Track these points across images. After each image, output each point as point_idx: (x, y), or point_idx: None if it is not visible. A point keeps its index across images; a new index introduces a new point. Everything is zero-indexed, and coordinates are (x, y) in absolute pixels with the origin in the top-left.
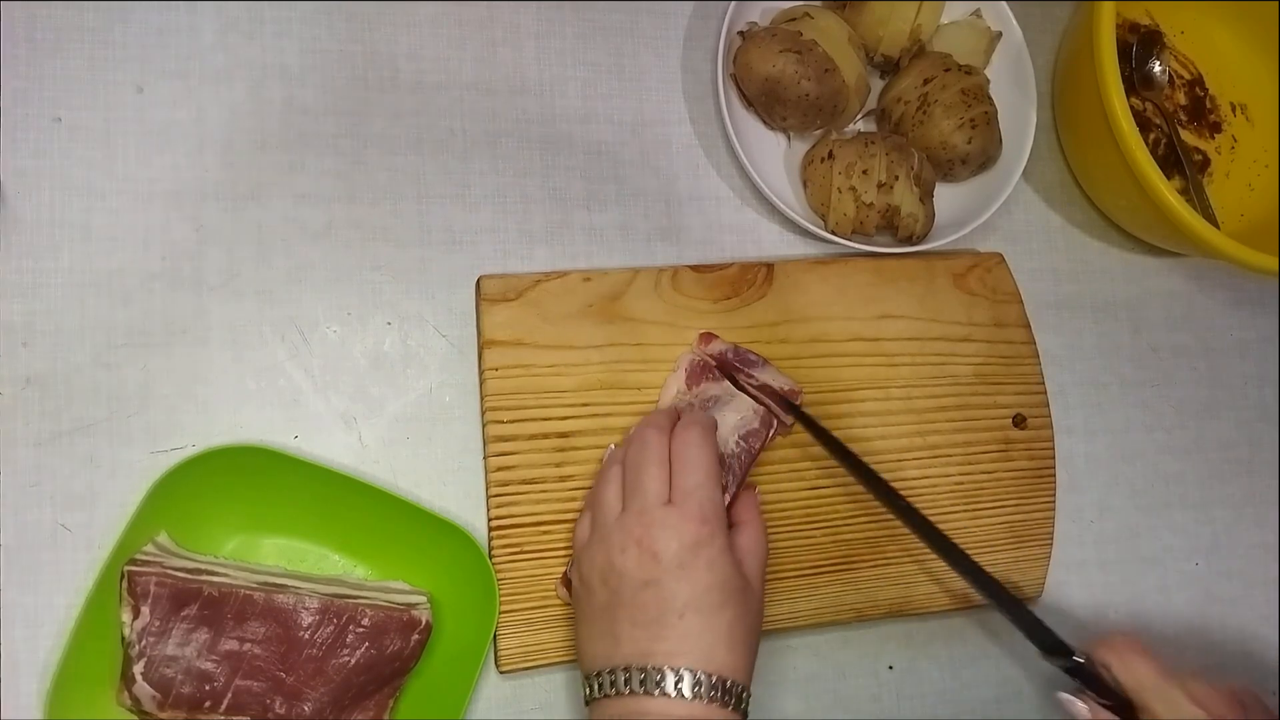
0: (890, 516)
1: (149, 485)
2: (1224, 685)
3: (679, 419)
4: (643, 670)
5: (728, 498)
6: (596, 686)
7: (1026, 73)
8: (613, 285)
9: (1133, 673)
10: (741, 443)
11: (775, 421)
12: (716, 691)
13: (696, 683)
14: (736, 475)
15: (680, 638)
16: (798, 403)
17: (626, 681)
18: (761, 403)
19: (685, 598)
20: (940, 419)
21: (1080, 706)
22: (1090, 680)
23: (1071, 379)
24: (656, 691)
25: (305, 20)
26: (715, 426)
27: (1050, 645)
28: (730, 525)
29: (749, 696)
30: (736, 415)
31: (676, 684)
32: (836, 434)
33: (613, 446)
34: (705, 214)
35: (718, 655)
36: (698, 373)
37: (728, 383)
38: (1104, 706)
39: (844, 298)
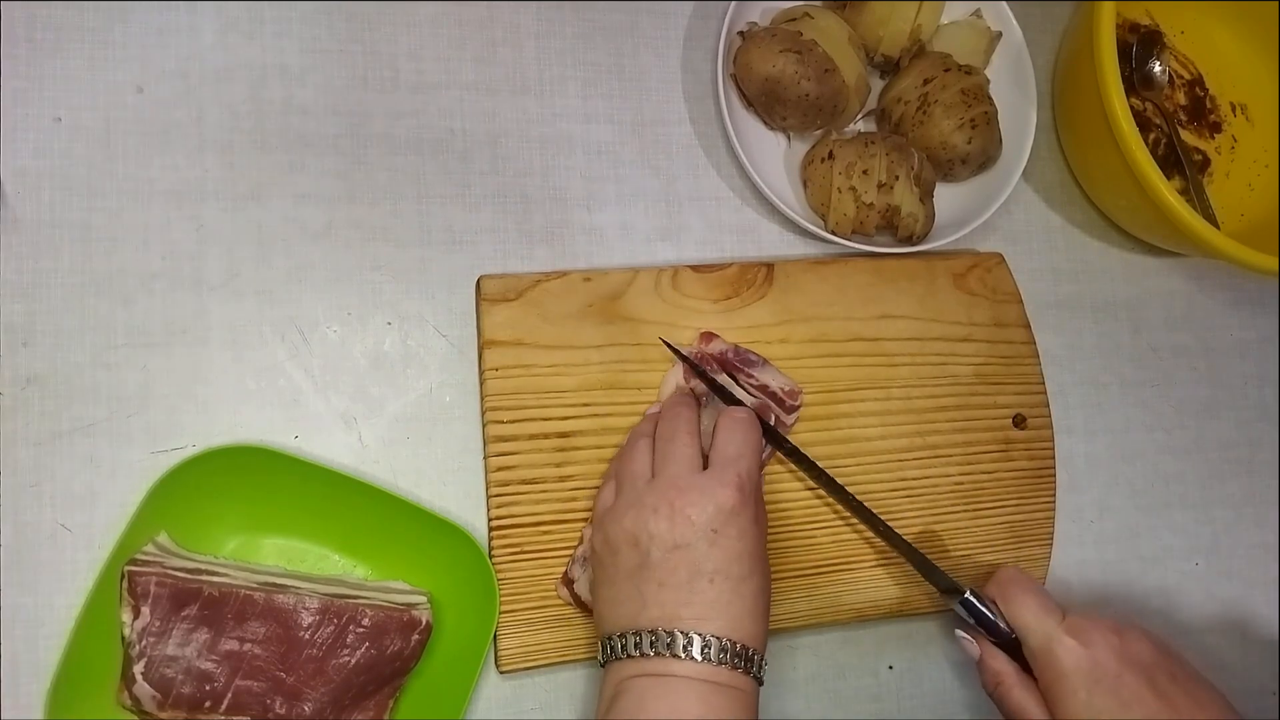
0: (893, 518)
1: (149, 485)
2: (1104, 618)
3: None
4: (670, 634)
5: None
6: (620, 646)
7: (1026, 73)
8: (613, 285)
9: (1015, 608)
10: None
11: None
12: (739, 659)
13: (722, 649)
14: None
15: (708, 603)
16: (797, 403)
17: (653, 644)
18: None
19: (716, 563)
20: (940, 419)
21: (971, 643)
22: (984, 621)
23: (1071, 379)
24: (683, 655)
25: (305, 20)
26: (757, 416)
27: (945, 586)
28: None
29: (766, 666)
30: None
31: (704, 649)
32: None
33: (646, 415)
34: (705, 214)
35: (743, 623)
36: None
37: (724, 377)
38: (996, 645)
39: (844, 298)
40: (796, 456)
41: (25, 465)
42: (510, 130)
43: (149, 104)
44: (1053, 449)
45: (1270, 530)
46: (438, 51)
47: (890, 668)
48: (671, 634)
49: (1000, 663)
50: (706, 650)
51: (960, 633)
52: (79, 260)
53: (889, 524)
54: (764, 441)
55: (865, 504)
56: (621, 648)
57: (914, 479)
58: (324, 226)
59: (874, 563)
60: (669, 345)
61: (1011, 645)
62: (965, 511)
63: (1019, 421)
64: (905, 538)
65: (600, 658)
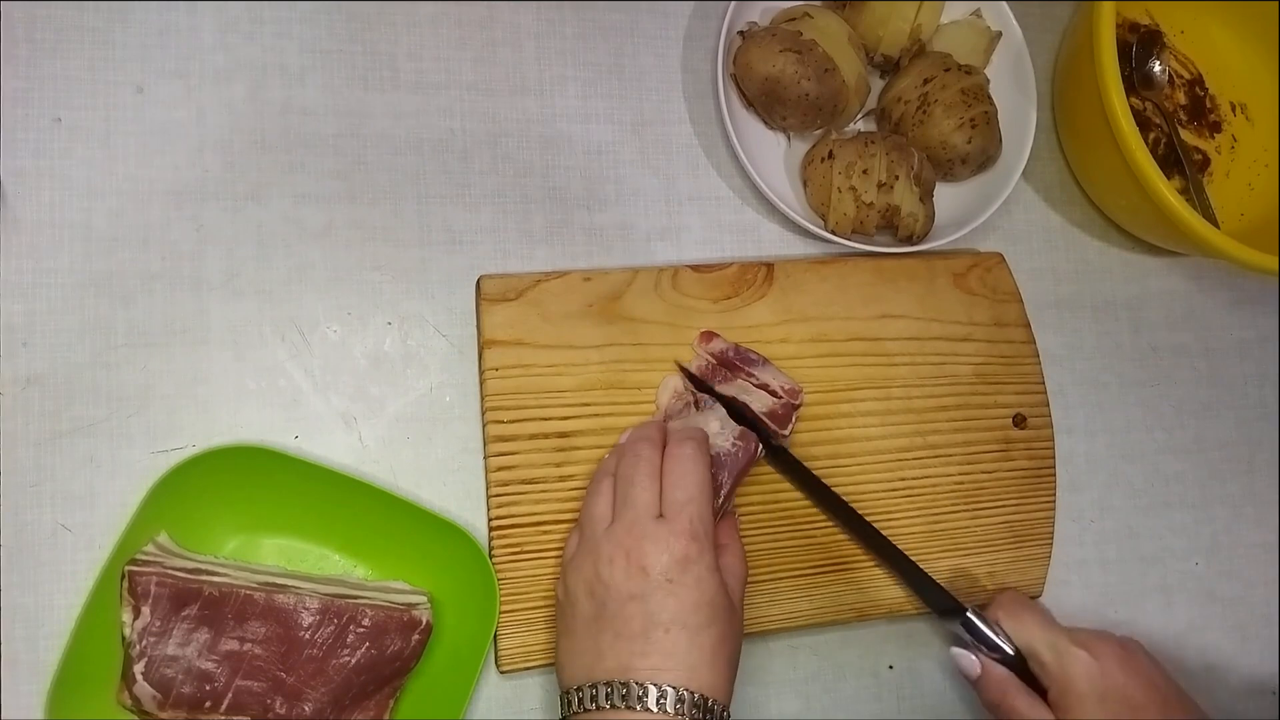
0: (893, 517)
1: (149, 485)
2: (1105, 631)
3: (667, 433)
4: (625, 685)
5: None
6: (576, 701)
7: (1026, 73)
8: (613, 285)
9: (1020, 625)
10: (725, 458)
11: (756, 447)
12: (698, 710)
13: (679, 699)
14: (722, 497)
15: (665, 654)
16: (797, 402)
17: (608, 696)
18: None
19: (671, 613)
20: (940, 419)
21: (971, 659)
22: (985, 639)
23: (1071, 379)
24: (639, 707)
25: (305, 20)
26: (707, 441)
27: (945, 606)
28: None
29: (729, 717)
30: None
31: (659, 700)
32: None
33: (616, 447)
34: (705, 214)
35: (701, 673)
36: (709, 374)
37: (740, 381)
38: (996, 660)
39: (844, 297)
40: (810, 485)
41: (25, 465)
42: (510, 130)
43: (149, 104)
44: (1053, 449)
45: (1270, 530)
46: (438, 51)
47: (890, 668)
48: (627, 685)
49: (1001, 671)
50: (662, 700)
51: (957, 650)
52: (79, 260)
53: (897, 545)
54: (748, 462)
55: (876, 527)
56: (578, 701)
57: (914, 479)
58: (324, 226)
59: (874, 563)
60: (682, 368)
61: (1010, 665)
62: (965, 511)
63: (1019, 421)
64: (910, 557)
65: (561, 713)
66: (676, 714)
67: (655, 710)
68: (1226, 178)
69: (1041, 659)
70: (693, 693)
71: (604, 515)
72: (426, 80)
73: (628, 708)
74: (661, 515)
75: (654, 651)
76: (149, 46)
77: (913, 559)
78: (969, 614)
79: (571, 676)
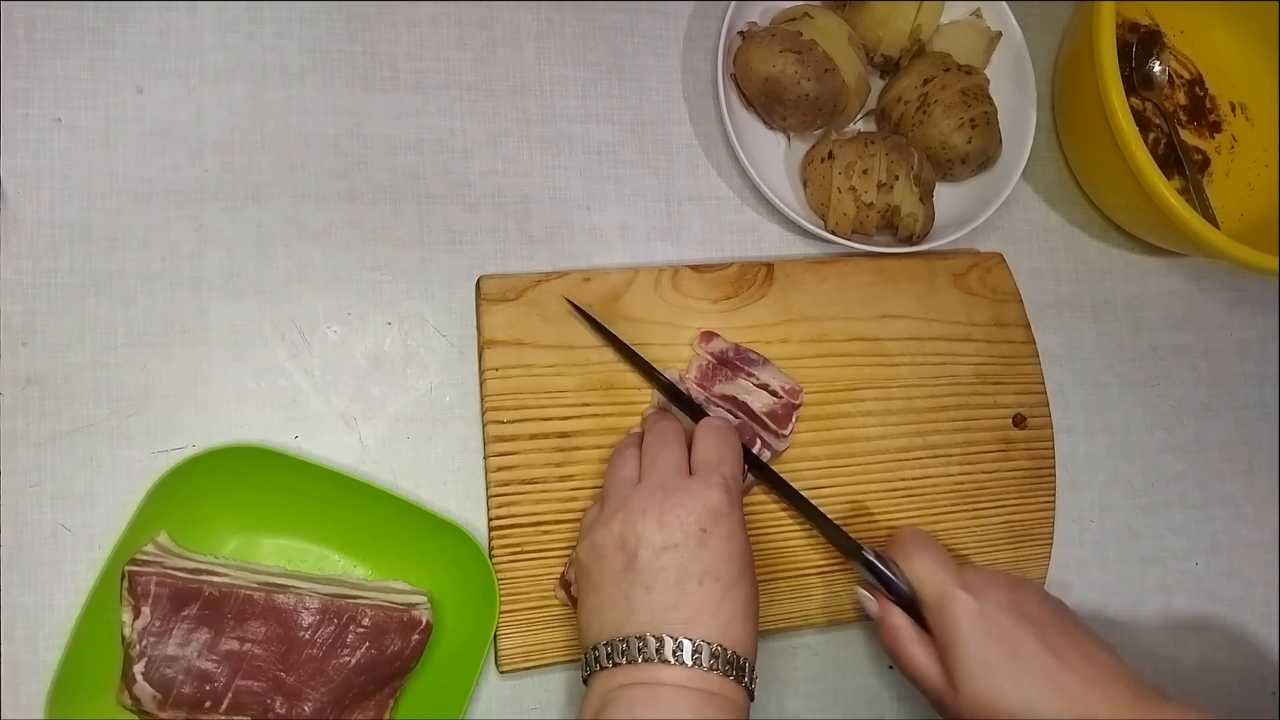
0: (893, 517)
1: (149, 485)
2: (998, 571)
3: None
4: (659, 639)
5: None
6: (606, 655)
7: (1026, 73)
8: (613, 285)
9: (911, 565)
10: None
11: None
12: (731, 666)
13: (714, 654)
14: None
15: (698, 607)
16: (797, 402)
17: (641, 649)
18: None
19: (705, 564)
20: (940, 419)
21: (870, 600)
22: (884, 579)
23: (1071, 379)
24: (673, 660)
25: (305, 20)
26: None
27: (846, 547)
28: None
29: (757, 677)
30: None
31: (694, 654)
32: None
33: (630, 433)
34: (705, 214)
35: (734, 629)
36: (710, 373)
37: (741, 380)
38: (896, 603)
39: (844, 297)
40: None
41: (25, 465)
42: (510, 130)
43: (149, 104)
44: (1053, 449)
45: (1270, 530)
46: (438, 51)
47: (890, 668)
48: (660, 639)
49: (897, 618)
50: (698, 655)
51: (860, 590)
52: (79, 260)
53: (796, 488)
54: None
55: (780, 473)
56: (608, 655)
57: (914, 479)
58: (324, 226)
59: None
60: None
61: (911, 605)
62: (965, 511)
63: (1019, 421)
64: (810, 499)
65: (584, 671)
66: (711, 669)
67: (690, 664)
68: (1226, 178)
69: (927, 599)
70: (726, 649)
71: (630, 477)
72: (426, 80)
73: (661, 661)
74: (691, 474)
75: (687, 604)
76: (149, 46)
77: (810, 499)
78: (865, 553)
79: (599, 632)
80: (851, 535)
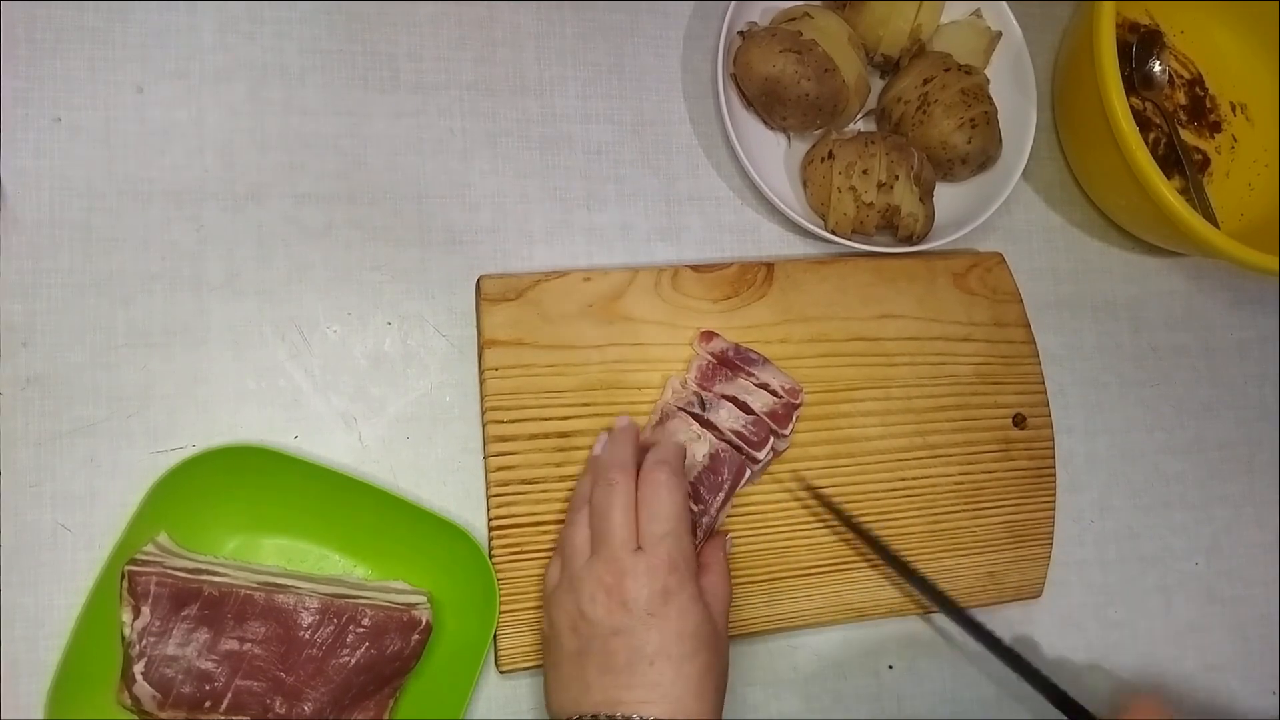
0: (893, 518)
1: (149, 485)
2: None
3: (644, 451)
4: (611, 718)
5: (699, 539)
6: None
7: (1026, 73)
8: (613, 285)
9: None
10: (709, 477)
11: (746, 470)
12: None
13: None
14: (711, 518)
15: (650, 685)
16: (797, 402)
17: None
18: (734, 443)
19: (656, 645)
20: (940, 419)
21: None
22: None
23: (1071, 379)
24: None
25: (305, 20)
26: (684, 459)
27: (1074, 713)
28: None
29: None
30: (705, 448)
31: None
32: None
33: (590, 458)
34: (705, 214)
35: (687, 704)
36: (710, 373)
37: (741, 380)
38: None
39: (844, 297)
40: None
41: (25, 465)
42: (510, 130)
43: (149, 104)
44: (1053, 449)
45: (1270, 530)
46: (438, 51)
47: (890, 668)
48: (613, 717)
49: None
50: None
51: None
52: (79, 260)
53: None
54: (742, 472)
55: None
56: None
57: (914, 479)
58: (324, 226)
59: (874, 562)
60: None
61: None
62: (965, 511)
63: (1019, 421)
64: (997, 637)
65: None
66: None
67: None
68: (1226, 178)
69: None
70: None
71: (582, 548)
72: (426, 80)
73: None
74: (640, 547)
75: (639, 684)
76: (149, 46)
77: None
78: None
79: (560, 708)
80: (1082, 704)
